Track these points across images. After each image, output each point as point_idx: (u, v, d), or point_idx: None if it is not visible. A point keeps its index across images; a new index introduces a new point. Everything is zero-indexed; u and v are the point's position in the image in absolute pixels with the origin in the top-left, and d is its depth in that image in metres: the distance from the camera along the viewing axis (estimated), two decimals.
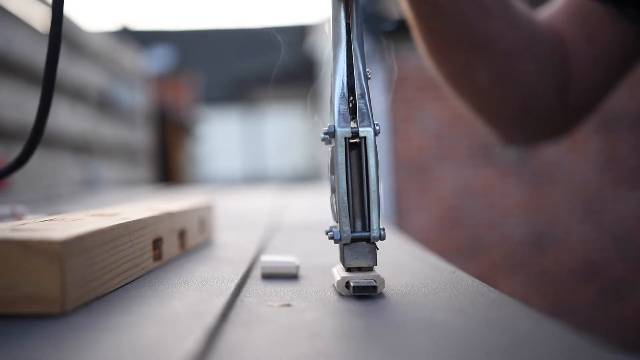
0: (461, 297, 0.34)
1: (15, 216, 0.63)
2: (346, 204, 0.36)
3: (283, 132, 10.74)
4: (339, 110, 0.37)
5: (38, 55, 2.22)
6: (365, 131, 0.36)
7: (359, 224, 0.37)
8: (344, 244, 0.37)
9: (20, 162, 0.41)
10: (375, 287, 0.35)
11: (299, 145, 10.52)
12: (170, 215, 0.48)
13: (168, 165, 5.34)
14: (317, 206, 1.16)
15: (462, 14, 0.57)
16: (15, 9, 2.01)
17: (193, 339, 0.26)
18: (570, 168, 3.83)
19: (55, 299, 0.30)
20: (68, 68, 2.56)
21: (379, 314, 0.31)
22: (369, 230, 0.36)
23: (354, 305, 0.33)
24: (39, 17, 2.25)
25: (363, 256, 0.37)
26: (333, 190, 0.37)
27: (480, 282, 0.38)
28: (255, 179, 9.78)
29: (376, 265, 0.37)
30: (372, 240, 0.36)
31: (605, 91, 0.65)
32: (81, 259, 0.32)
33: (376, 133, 0.36)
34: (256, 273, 0.44)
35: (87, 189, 2.61)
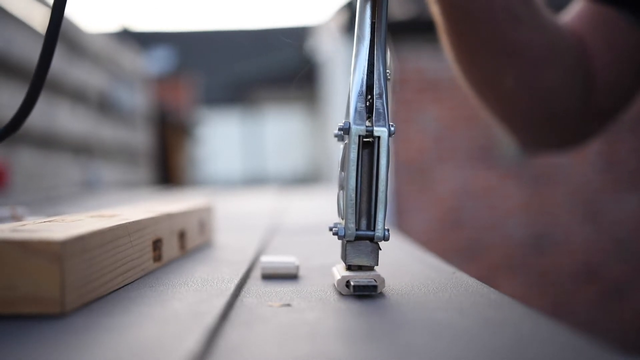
0: (461, 297, 0.34)
1: (15, 218, 0.63)
2: (353, 201, 0.36)
3: (283, 134, 10.75)
4: (356, 108, 0.36)
5: (38, 56, 2.22)
6: (380, 131, 0.36)
7: (364, 222, 0.37)
8: (347, 241, 0.37)
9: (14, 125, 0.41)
10: (375, 287, 0.35)
11: (299, 147, 10.53)
12: (169, 217, 0.48)
13: (168, 166, 5.35)
14: (317, 208, 1.16)
15: (493, 20, 0.56)
16: (15, 10, 2.01)
17: (193, 339, 0.26)
18: (571, 170, 3.83)
19: (55, 299, 0.30)
20: (68, 69, 2.57)
21: (379, 313, 0.31)
22: (374, 230, 0.36)
23: (354, 305, 0.33)
24: (39, 18, 2.25)
25: (365, 255, 0.37)
26: (341, 187, 0.37)
27: (480, 282, 0.38)
28: (255, 180, 9.78)
29: (377, 265, 0.37)
30: (375, 240, 0.36)
31: (626, 99, 0.65)
32: (81, 260, 0.32)
33: (390, 134, 0.36)
34: (256, 273, 0.44)
35: (87, 190, 2.61)
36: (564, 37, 0.62)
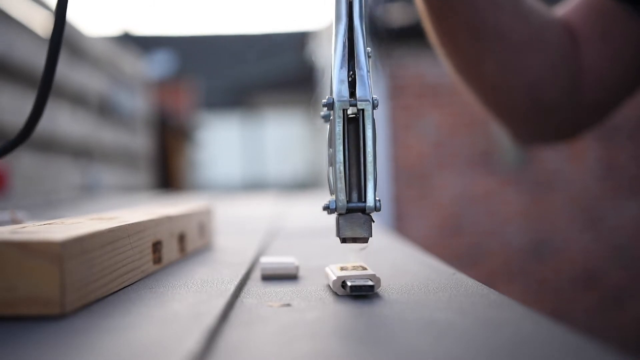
0: (461, 298, 0.34)
1: (15, 222, 0.63)
2: (342, 173, 0.36)
3: (283, 138, 10.75)
4: (339, 83, 0.37)
5: (39, 60, 2.22)
6: (364, 104, 0.36)
7: (355, 196, 0.37)
8: (340, 214, 0.37)
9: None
10: (372, 287, 0.35)
11: (299, 152, 10.53)
12: (169, 219, 0.48)
13: (168, 170, 5.35)
14: (317, 212, 1.16)
15: (472, 5, 0.57)
16: (16, 14, 2.02)
17: (193, 339, 0.26)
18: (570, 176, 3.83)
19: (54, 300, 0.30)
20: (69, 73, 2.57)
21: (379, 313, 0.31)
22: (365, 201, 0.36)
23: (354, 305, 0.33)
24: (40, 22, 2.25)
25: (358, 227, 0.37)
26: (330, 163, 0.38)
27: (480, 283, 0.38)
28: (254, 185, 9.78)
29: (371, 236, 0.37)
30: (367, 211, 0.37)
31: (621, 93, 0.65)
32: (80, 261, 0.32)
33: (374, 106, 0.37)
34: (256, 275, 0.44)
35: (87, 194, 2.61)
36: (549, 26, 0.62)
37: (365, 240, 0.37)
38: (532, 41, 0.61)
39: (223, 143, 10.71)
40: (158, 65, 7.55)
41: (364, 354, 0.25)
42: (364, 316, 0.31)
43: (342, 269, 0.38)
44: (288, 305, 0.34)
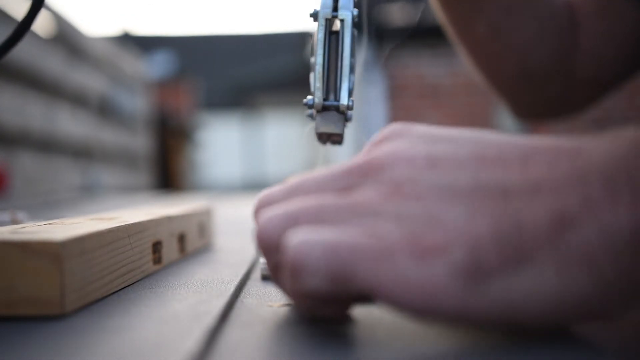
0: None
1: (15, 222, 0.63)
2: (321, 74, 0.41)
3: (283, 138, 10.76)
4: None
5: (39, 60, 2.23)
6: (344, 14, 0.41)
7: (331, 96, 0.41)
8: (317, 112, 0.41)
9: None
10: None
11: (299, 152, 10.53)
12: (169, 219, 0.48)
13: (168, 171, 5.35)
14: None
15: None
16: (16, 14, 2.02)
17: (193, 339, 0.26)
18: None
19: (54, 300, 0.30)
20: (69, 73, 2.57)
21: (379, 313, 0.31)
22: (339, 100, 0.41)
23: (354, 305, 0.33)
24: (41, 23, 2.26)
25: (332, 123, 0.41)
26: (312, 69, 0.42)
27: None
28: (254, 185, 9.78)
29: (343, 133, 0.42)
30: (341, 109, 0.41)
31: (615, 72, 0.65)
32: (80, 261, 0.32)
33: (354, 18, 0.41)
34: (256, 275, 0.44)
35: (87, 194, 2.61)
36: None
37: (339, 136, 0.42)
38: (523, 6, 0.62)
39: (223, 143, 10.72)
40: (158, 65, 7.56)
41: (364, 354, 0.25)
42: (364, 316, 0.31)
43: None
44: (288, 305, 0.34)
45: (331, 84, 0.41)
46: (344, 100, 0.41)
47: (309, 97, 0.41)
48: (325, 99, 0.41)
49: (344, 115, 0.41)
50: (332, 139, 0.43)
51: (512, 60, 0.65)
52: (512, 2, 0.61)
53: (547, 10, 0.63)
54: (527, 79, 0.67)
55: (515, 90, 0.70)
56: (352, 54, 0.41)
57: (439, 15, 0.64)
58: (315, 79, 0.41)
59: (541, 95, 0.69)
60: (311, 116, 0.43)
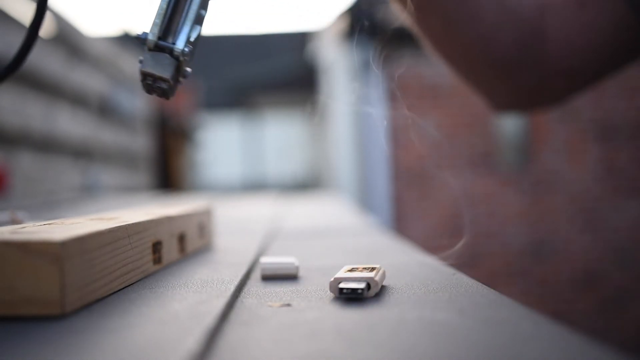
0: (461, 298, 0.34)
1: (15, 222, 0.63)
2: (164, 10, 0.38)
3: (283, 139, 10.75)
4: None
5: (39, 60, 2.22)
6: None
7: (170, 39, 0.39)
8: (148, 49, 0.39)
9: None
10: (360, 291, 0.34)
11: (299, 152, 10.52)
12: (169, 219, 0.48)
13: (168, 171, 5.34)
14: (317, 213, 1.16)
15: None
16: (16, 15, 2.02)
17: (193, 339, 0.26)
18: (570, 177, 3.83)
19: (54, 300, 0.30)
20: (69, 73, 2.57)
21: (379, 313, 0.31)
22: (175, 44, 0.38)
23: (354, 305, 0.33)
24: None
25: (161, 66, 0.38)
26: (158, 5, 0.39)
27: (480, 283, 0.38)
28: (254, 185, 9.78)
29: (170, 77, 0.39)
30: (175, 53, 0.38)
31: (595, 62, 0.65)
32: (80, 261, 0.32)
33: None
34: (256, 275, 0.44)
35: (87, 194, 2.61)
36: None
37: (166, 84, 0.39)
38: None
39: (223, 143, 10.71)
40: None
41: (364, 354, 0.25)
42: (364, 316, 0.31)
43: (351, 270, 0.37)
44: (288, 305, 0.34)
45: (173, 26, 0.39)
46: (180, 44, 0.38)
47: (145, 31, 0.39)
48: (161, 39, 0.38)
49: (176, 60, 0.38)
50: (158, 86, 0.40)
51: (473, 50, 0.64)
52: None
53: (503, 1, 0.63)
54: (494, 69, 0.66)
55: (485, 80, 0.69)
56: (204, 6, 0.39)
57: (399, 11, 0.64)
58: (156, 14, 0.38)
59: (513, 85, 0.68)
60: (140, 62, 0.40)
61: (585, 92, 0.69)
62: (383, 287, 0.38)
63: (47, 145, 2.31)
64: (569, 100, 0.70)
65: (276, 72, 10.10)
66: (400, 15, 0.65)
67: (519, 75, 0.66)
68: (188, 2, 0.39)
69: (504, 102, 0.72)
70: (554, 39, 0.63)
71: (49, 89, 2.33)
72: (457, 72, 0.70)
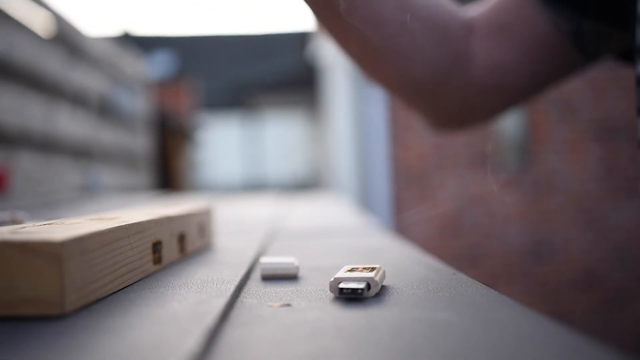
0: (461, 297, 0.34)
1: (15, 222, 0.63)
2: None
3: (283, 138, 10.75)
4: None
5: (39, 60, 2.22)
6: None
7: None
8: None
9: None
10: (360, 291, 0.34)
11: (299, 152, 10.53)
12: (169, 219, 0.48)
13: (168, 171, 5.35)
14: (317, 213, 1.16)
15: None
16: (16, 15, 2.02)
17: (193, 339, 0.26)
18: (570, 177, 3.83)
19: (54, 300, 0.30)
20: (69, 73, 2.57)
21: (379, 313, 0.31)
22: None
23: (354, 305, 0.33)
24: (40, 22, 2.25)
25: None
26: None
27: (480, 283, 0.38)
28: (254, 185, 9.78)
29: None
30: None
31: (520, 79, 0.65)
32: (80, 261, 0.32)
33: None
34: (256, 275, 0.44)
35: (87, 194, 2.61)
36: (426, 9, 0.62)
37: None
38: (393, 21, 0.60)
39: (223, 143, 10.72)
40: (158, 65, 7.55)
41: (364, 354, 0.25)
42: (364, 316, 0.31)
43: (351, 270, 0.37)
44: (288, 305, 0.34)
45: None
46: None
47: None
48: None
49: None
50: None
51: (393, 72, 0.64)
52: (381, 19, 0.60)
53: (421, 24, 0.62)
54: (416, 90, 0.66)
55: (412, 100, 0.69)
56: None
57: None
58: None
59: (439, 105, 0.69)
60: None
61: (517, 108, 0.70)
62: (383, 287, 0.38)
63: (47, 145, 2.31)
64: (500, 117, 0.71)
65: (276, 72, 10.11)
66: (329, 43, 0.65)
67: (442, 95, 0.66)
68: None
69: (436, 121, 0.72)
70: (479, 60, 0.64)
71: (49, 88, 2.33)
72: (392, 94, 0.70)
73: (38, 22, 2.22)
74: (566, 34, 0.62)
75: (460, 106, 0.68)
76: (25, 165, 2.09)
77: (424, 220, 3.77)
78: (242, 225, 0.86)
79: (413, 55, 0.62)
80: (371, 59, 0.64)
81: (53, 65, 2.37)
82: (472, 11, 0.66)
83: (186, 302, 0.33)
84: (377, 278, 0.36)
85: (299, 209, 1.26)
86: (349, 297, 0.35)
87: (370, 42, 0.60)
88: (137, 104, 3.67)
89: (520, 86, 0.66)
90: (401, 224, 3.72)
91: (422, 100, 0.68)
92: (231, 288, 0.37)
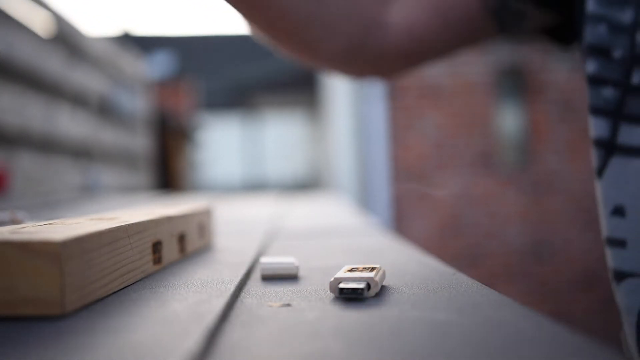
0: (461, 297, 0.34)
1: (15, 222, 0.63)
2: None
3: (283, 138, 10.75)
4: None
5: (39, 60, 2.22)
6: None
7: None
8: None
9: None
10: (360, 291, 0.34)
11: (299, 152, 10.53)
12: (169, 219, 0.48)
13: (168, 171, 5.35)
14: (318, 213, 1.16)
15: None
16: (16, 14, 2.02)
17: (193, 339, 0.26)
18: (570, 177, 3.83)
19: (54, 300, 0.30)
20: (69, 73, 2.57)
21: (379, 313, 0.31)
22: None
23: (354, 305, 0.33)
24: (40, 22, 2.25)
25: None
26: None
27: (480, 283, 0.38)
28: (255, 185, 9.78)
29: None
30: None
31: (432, 42, 0.67)
32: (80, 261, 0.32)
33: None
34: (256, 275, 0.44)
35: (87, 194, 2.61)
36: None
37: None
38: (307, 6, 0.63)
39: (223, 143, 10.71)
40: (158, 65, 7.55)
41: (364, 354, 0.25)
42: (364, 316, 0.31)
43: (351, 270, 0.37)
44: (288, 305, 0.34)
45: None
46: None
47: None
48: None
49: None
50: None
51: (305, 51, 0.68)
52: (295, 6, 0.62)
53: (332, 5, 0.65)
54: (329, 60, 0.70)
55: (328, 67, 0.73)
56: None
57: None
58: None
59: (356, 68, 0.72)
60: None
61: (426, 66, 0.73)
62: (383, 287, 0.38)
63: (47, 145, 2.31)
64: (409, 72, 0.74)
65: (276, 72, 10.10)
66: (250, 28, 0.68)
67: (359, 62, 0.70)
68: None
69: (356, 78, 0.78)
70: (394, 25, 0.66)
71: (49, 89, 2.33)
72: (306, 64, 0.74)
73: (38, 22, 2.22)
74: (486, 6, 0.63)
75: (378, 67, 0.72)
76: (25, 165, 2.09)
77: (424, 219, 3.77)
78: (242, 225, 0.86)
79: (324, 36, 0.65)
80: (280, 39, 0.67)
81: (53, 65, 2.37)
82: None
83: (186, 302, 0.33)
84: (377, 278, 0.36)
85: (299, 209, 1.26)
86: (349, 297, 0.35)
87: (279, 28, 0.64)
88: (137, 104, 3.67)
89: (435, 47, 0.69)
90: (401, 224, 3.73)
91: (337, 67, 0.73)
92: (231, 288, 0.37)
